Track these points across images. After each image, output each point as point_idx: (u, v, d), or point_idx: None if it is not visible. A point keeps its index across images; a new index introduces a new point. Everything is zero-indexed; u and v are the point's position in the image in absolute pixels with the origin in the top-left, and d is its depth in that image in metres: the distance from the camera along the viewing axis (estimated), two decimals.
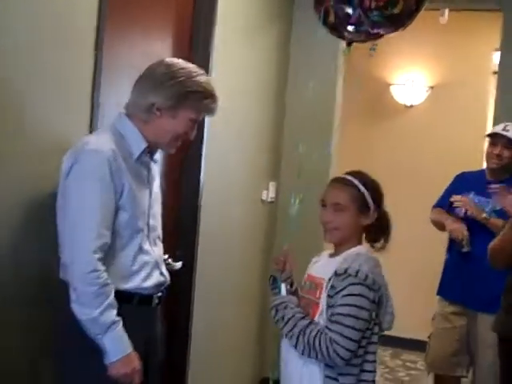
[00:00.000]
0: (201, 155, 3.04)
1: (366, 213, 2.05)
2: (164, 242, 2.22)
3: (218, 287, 3.25)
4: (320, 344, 1.91)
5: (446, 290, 3.58)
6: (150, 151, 2.09)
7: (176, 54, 2.87)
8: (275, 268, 2.17)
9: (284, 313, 2.01)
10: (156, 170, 2.16)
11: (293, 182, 3.93)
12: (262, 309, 3.99)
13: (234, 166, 3.47)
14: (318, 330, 1.94)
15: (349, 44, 2.68)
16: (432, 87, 5.39)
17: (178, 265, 2.82)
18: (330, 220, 2.04)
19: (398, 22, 2.52)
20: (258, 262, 3.96)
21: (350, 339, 1.91)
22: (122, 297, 1.95)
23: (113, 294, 1.90)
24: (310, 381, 2.00)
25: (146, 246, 2.04)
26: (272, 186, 4.03)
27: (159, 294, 2.11)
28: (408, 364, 5.03)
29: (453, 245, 3.46)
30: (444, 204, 3.64)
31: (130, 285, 1.99)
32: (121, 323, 1.90)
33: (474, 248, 3.27)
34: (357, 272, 1.93)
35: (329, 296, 1.96)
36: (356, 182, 2.06)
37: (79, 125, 2.23)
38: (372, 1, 2.40)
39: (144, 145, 2.03)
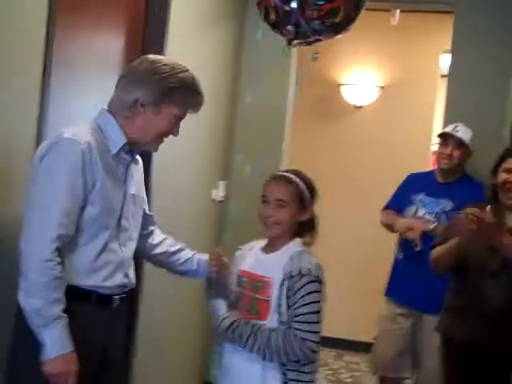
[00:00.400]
0: (150, 154, 2.91)
1: (303, 210, 2.14)
2: None
3: (165, 286, 3.11)
4: (292, 347, 2.00)
5: (393, 292, 3.55)
6: (130, 149, 2.03)
7: (128, 53, 2.80)
8: (211, 271, 2.20)
9: (241, 332, 2.04)
10: (137, 171, 2.10)
11: (243, 181, 3.92)
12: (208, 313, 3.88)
13: (183, 164, 3.36)
14: (284, 335, 2.00)
15: (289, 43, 2.68)
16: (382, 87, 5.38)
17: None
18: (272, 215, 2.10)
19: (338, 29, 2.64)
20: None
21: (318, 332, 2.03)
22: (81, 294, 1.90)
23: (63, 289, 1.83)
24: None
25: (113, 245, 1.97)
26: (222, 185, 3.92)
27: (122, 296, 2.04)
28: (351, 365, 5.00)
29: (404, 244, 3.43)
30: (394, 205, 3.62)
31: (89, 282, 1.92)
32: (65, 321, 1.82)
33: (425, 247, 3.23)
34: (309, 270, 2.04)
35: (287, 297, 2.03)
36: (297, 180, 2.15)
37: (25, 128, 2.14)
38: (313, 11, 2.47)
39: (123, 141, 1.97)
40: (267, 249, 2.17)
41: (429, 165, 5.30)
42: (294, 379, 2.05)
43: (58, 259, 1.81)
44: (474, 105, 3.74)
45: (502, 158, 2.73)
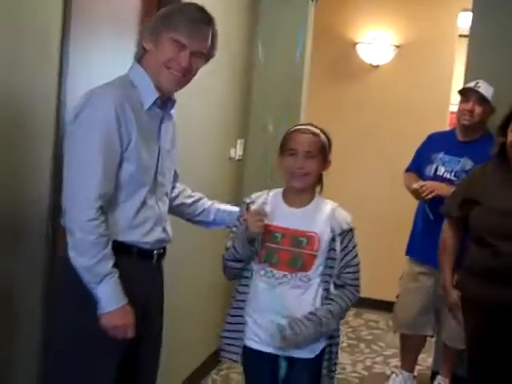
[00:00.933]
0: None
1: (326, 162, 2.24)
2: None
3: (184, 249, 3.13)
4: (350, 300, 2.21)
5: (414, 250, 3.58)
6: (164, 103, 2.02)
7: (144, 12, 2.75)
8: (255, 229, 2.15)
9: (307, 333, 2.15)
10: (170, 126, 2.10)
11: (261, 140, 3.92)
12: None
13: (200, 123, 3.34)
14: (341, 298, 2.19)
15: None
16: (398, 46, 5.32)
17: None
18: (302, 166, 2.17)
19: None
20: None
21: None
22: (122, 248, 1.93)
23: (110, 246, 1.87)
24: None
25: (151, 201, 1.99)
26: (240, 143, 3.93)
27: (160, 251, 2.08)
28: (370, 323, 5.05)
29: (426, 205, 3.43)
30: (415, 167, 3.62)
31: (130, 237, 1.95)
32: (116, 275, 1.87)
33: None
34: (352, 224, 2.23)
35: (341, 250, 2.19)
36: (320, 133, 2.23)
37: (46, 90, 2.12)
38: None
39: (155, 95, 1.96)
40: (292, 202, 2.22)
41: (447, 125, 5.29)
42: None
43: (102, 217, 1.84)
44: (496, 64, 3.68)
45: (510, 117, 2.66)
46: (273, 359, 2.20)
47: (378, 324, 5.03)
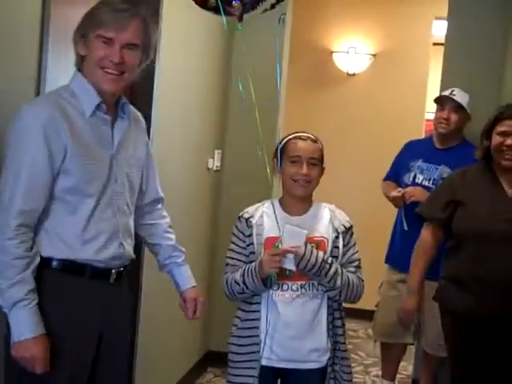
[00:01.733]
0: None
1: (322, 169, 2.24)
2: None
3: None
4: (359, 286, 2.22)
5: (393, 258, 3.56)
6: (114, 108, 1.91)
7: None
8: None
9: (327, 270, 2.13)
10: (132, 131, 1.98)
11: (238, 150, 3.89)
12: (209, 282, 3.89)
13: (178, 134, 3.32)
14: (355, 277, 2.21)
15: (240, 19, 2.22)
16: (374, 55, 5.34)
17: None
18: (308, 173, 2.16)
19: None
20: (205, 232, 3.85)
21: None
22: (72, 268, 1.82)
23: (31, 269, 1.73)
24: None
25: (105, 214, 1.86)
26: (218, 153, 3.90)
27: (120, 269, 1.93)
28: (350, 333, 5.02)
29: (405, 213, 3.42)
30: (393, 175, 3.62)
31: (80, 255, 1.82)
32: (33, 302, 1.73)
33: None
34: (351, 222, 2.29)
35: (344, 247, 2.21)
36: (317, 139, 2.25)
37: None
38: None
39: (96, 101, 1.85)
40: (294, 211, 2.21)
41: (422, 133, 5.32)
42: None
43: (24, 237, 1.73)
44: (471, 71, 3.71)
45: (495, 121, 2.63)
46: (283, 374, 2.20)
47: (358, 333, 5.03)
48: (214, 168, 3.87)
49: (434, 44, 5.32)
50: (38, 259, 1.77)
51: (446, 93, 3.43)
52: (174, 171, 3.23)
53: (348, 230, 2.24)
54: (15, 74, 2.02)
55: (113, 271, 1.91)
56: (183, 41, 3.28)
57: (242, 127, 3.86)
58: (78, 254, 1.82)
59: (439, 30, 4.88)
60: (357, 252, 2.26)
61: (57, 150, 1.76)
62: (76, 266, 1.82)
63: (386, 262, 3.62)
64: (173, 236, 2.19)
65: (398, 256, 3.51)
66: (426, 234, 2.83)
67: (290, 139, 2.22)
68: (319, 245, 2.16)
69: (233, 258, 2.21)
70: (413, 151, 3.57)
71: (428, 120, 5.31)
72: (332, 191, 5.34)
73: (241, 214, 2.23)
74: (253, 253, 2.17)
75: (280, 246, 2.08)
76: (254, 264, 2.12)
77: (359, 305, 4.89)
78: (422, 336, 3.48)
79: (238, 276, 2.15)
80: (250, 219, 2.19)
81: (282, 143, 2.23)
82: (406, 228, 3.40)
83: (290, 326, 2.14)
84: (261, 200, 2.30)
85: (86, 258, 1.83)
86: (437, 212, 2.74)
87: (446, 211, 2.70)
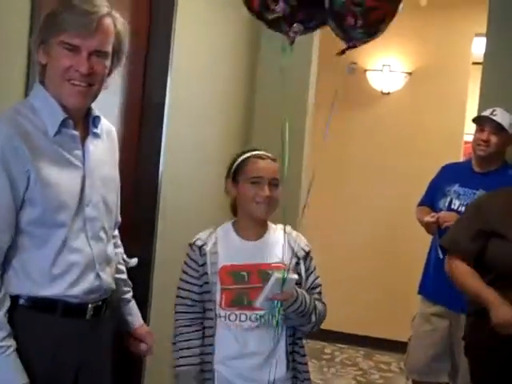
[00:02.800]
0: (160, 140, 2.72)
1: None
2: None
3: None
4: (324, 312, 2.10)
5: (426, 289, 3.32)
6: (83, 123, 1.71)
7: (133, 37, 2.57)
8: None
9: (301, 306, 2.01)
10: (102, 147, 1.77)
11: None
12: None
13: (200, 150, 3.15)
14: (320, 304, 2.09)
15: (292, 42, 2.05)
16: (410, 73, 5.12)
17: (133, 262, 2.49)
18: (271, 195, 2.04)
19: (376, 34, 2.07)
20: None
21: None
22: (42, 305, 1.63)
23: (1, 313, 1.55)
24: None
25: (78, 243, 1.66)
26: None
27: (98, 304, 1.73)
28: (381, 365, 4.77)
29: (434, 245, 3.20)
30: (429, 200, 3.40)
31: (50, 291, 1.63)
32: (9, 350, 1.54)
33: None
34: (309, 245, 2.14)
35: (305, 272, 2.09)
36: (275, 158, 2.10)
37: None
38: (357, 19, 1.90)
39: (61, 116, 1.63)
40: (249, 235, 2.08)
41: (461, 155, 5.07)
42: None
43: None
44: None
45: None
46: None
47: (390, 366, 4.75)
48: None
49: (474, 63, 5.07)
50: (8, 301, 1.59)
51: (487, 113, 3.19)
52: (190, 188, 3.07)
53: (308, 255, 2.11)
54: (2, 75, 1.87)
55: (89, 306, 1.71)
56: (202, 46, 3.12)
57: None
58: (47, 290, 1.63)
59: (479, 48, 4.63)
60: (318, 277, 2.14)
61: (18, 176, 1.56)
62: (46, 302, 1.63)
63: (419, 293, 3.38)
64: (125, 268, 2.01)
65: (431, 286, 3.28)
66: (458, 265, 2.52)
67: (248, 158, 2.08)
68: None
69: (185, 290, 2.08)
70: (449, 175, 3.34)
71: (467, 142, 5.05)
72: (366, 213, 5.17)
73: (193, 241, 2.09)
74: (207, 283, 2.03)
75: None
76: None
77: (392, 336, 4.78)
78: (457, 375, 3.21)
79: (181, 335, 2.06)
80: (204, 247, 2.06)
81: (238, 161, 2.08)
82: (440, 256, 3.15)
83: (249, 356, 2.01)
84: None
85: (57, 293, 1.64)
86: (466, 243, 2.47)
87: (476, 242, 2.44)
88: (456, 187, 3.23)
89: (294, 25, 1.97)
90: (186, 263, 2.09)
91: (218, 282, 2.01)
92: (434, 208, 3.30)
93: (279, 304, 1.95)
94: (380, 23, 1.93)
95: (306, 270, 2.09)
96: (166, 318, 2.81)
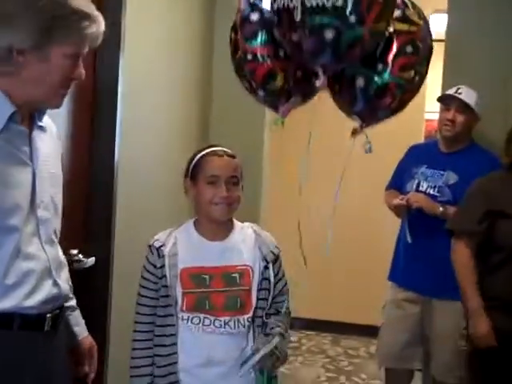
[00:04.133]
0: (114, 124, 2.54)
1: (241, 187, 1.98)
2: (70, 232, 1.78)
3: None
4: (288, 330, 1.98)
5: (398, 275, 3.23)
6: (30, 115, 1.56)
7: None
8: None
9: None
10: (47, 141, 1.63)
11: None
12: None
13: (158, 139, 2.99)
14: (281, 321, 1.96)
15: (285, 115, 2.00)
16: None
17: (90, 261, 2.38)
18: (229, 195, 1.91)
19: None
20: None
21: None
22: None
23: None
24: None
25: (31, 249, 1.52)
26: None
27: (56, 312, 1.60)
28: (350, 352, 4.69)
29: (411, 226, 3.10)
30: (396, 183, 3.30)
31: (5, 303, 1.48)
32: None
33: (436, 229, 2.89)
34: (279, 247, 2.03)
35: (274, 280, 1.97)
36: (233, 154, 1.98)
37: None
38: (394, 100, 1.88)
39: (9, 110, 1.48)
40: (212, 236, 1.95)
41: (422, 135, 5.00)
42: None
43: None
44: (478, 67, 3.39)
45: None
46: None
47: (359, 351, 4.68)
48: None
49: (433, 40, 4.98)
50: None
51: (451, 91, 3.10)
52: (152, 182, 2.90)
53: (277, 258, 2.00)
54: None
55: (48, 316, 1.57)
56: (152, 49, 2.94)
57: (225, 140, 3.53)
58: (1, 303, 1.48)
59: (438, 24, 4.54)
60: (286, 282, 2.04)
61: None
62: (2, 317, 1.48)
63: (389, 279, 3.29)
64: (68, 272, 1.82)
65: (402, 273, 3.19)
66: (461, 248, 2.58)
67: (204, 156, 1.95)
68: (243, 274, 1.91)
69: (142, 296, 1.94)
70: (416, 156, 3.25)
71: (428, 120, 4.99)
72: (328, 200, 5.03)
73: (151, 242, 1.94)
74: (165, 286, 1.89)
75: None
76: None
77: (359, 320, 4.70)
78: (430, 361, 3.14)
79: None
80: (162, 248, 1.91)
81: (195, 160, 1.96)
82: (409, 241, 3.08)
83: (215, 364, 1.88)
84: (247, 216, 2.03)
85: (12, 305, 1.49)
86: (473, 224, 2.50)
87: (483, 223, 2.47)
88: (423, 169, 3.14)
89: (292, 98, 1.93)
90: (144, 267, 1.94)
91: (179, 285, 1.88)
92: (401, 191, 3.21)
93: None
94: (406, 104, 1.96)
95: (276, 274, 1.98)
96: (127, 323, 2.68)
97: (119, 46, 2.49)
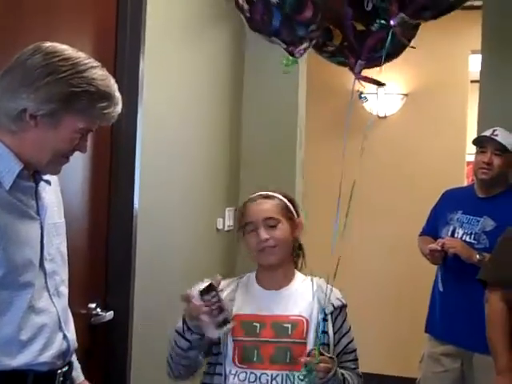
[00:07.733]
0: (133, 175, 2.50)
1: (293, 222, 1.90)
2: (89, 285, 1.74)
3: (161, 344, 2.66)
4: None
5: (433, 327, 3.07)
6: (34, 171, 1.55)
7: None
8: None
9: None
10: (50, 192, 1.61)
11: None
12: None
13: (183, 192, 2.94)
14: (351, 377, 1.83)
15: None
16: (406, 95, 4.92)
17: (109, 315, 2.34)
18: (267, 238, 1.84)
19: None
20: None
21: None
22: (10, 378, 1.43)
23: None
24: None
25: (42, 303, 1.51)
26: (229, 212, 3.48)
27: (65, 368, 1.57)
28: None
29: (446, 274, 2.99)
30: (430, 229, 3.17)
31: (19, 361, 1.44)
32: None
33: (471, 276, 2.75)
34: (343, 300, 1.91)
35: (335, 333, 1.85)
36: (273, 194, 1.92)
37: None
38: None
39: (18, 167, 1.48)
40: (269, 284, 1.89)
41: (464, 178, 4.86)
42: None
43: None
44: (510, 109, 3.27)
45: None
46: None
47: None
48: (226, 228, 3.45)
49: (473, 81, 4.87)
50: None
51: (487, 133, 2.99)
52: (177, 234, 2.86)
53: (340, 311, 1.87)
54: None
55: (58, 372, 1.54)
56: (177, 79, 2.93)
57: (256, 182, 3.46)
58: (17, 360, 1.44)
59: (477, 65, 4.45)
60: (353, 340, 1.88)
61: None
62: (15, 375, 1.44)
63: (426, 331, 3.13)
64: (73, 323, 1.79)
65: (439, 324, 3.04)
66: (496, 301, 2.42)
67: (243, 205, 1.93)
68: (296, 326, 1.81)
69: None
70: (451, 201, 3.12)
71: (469, 163, 4.84)
72: (361, 246, 4.91)
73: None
74: None
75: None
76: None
77: (399, 372, 4.51)
78: None
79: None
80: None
81: (238, 211, 1.96)
82: (440, 289, 2.95)
83: None
84: None
85: (26, 363, 1.46)
86: (508, 274, 2.38)
87: None
88: (459, 215, 3.01)
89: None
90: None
91: (230, 332, 1.80)
92: (436, 238, 3.08)
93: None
94: None
95: (338, 329, 1.86)
96: (147, 378, 2.60)
97: (137, 92, 2.48)
